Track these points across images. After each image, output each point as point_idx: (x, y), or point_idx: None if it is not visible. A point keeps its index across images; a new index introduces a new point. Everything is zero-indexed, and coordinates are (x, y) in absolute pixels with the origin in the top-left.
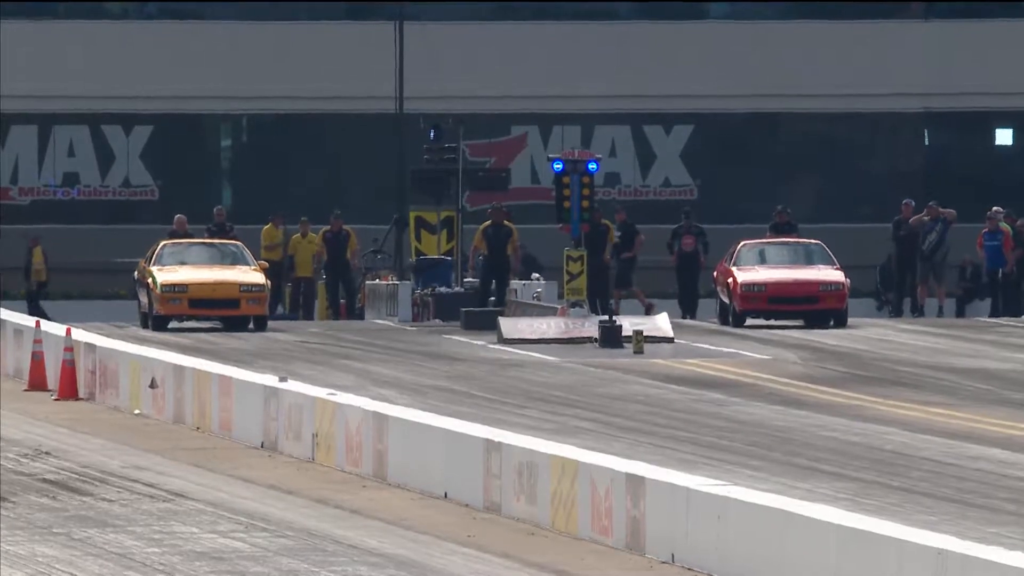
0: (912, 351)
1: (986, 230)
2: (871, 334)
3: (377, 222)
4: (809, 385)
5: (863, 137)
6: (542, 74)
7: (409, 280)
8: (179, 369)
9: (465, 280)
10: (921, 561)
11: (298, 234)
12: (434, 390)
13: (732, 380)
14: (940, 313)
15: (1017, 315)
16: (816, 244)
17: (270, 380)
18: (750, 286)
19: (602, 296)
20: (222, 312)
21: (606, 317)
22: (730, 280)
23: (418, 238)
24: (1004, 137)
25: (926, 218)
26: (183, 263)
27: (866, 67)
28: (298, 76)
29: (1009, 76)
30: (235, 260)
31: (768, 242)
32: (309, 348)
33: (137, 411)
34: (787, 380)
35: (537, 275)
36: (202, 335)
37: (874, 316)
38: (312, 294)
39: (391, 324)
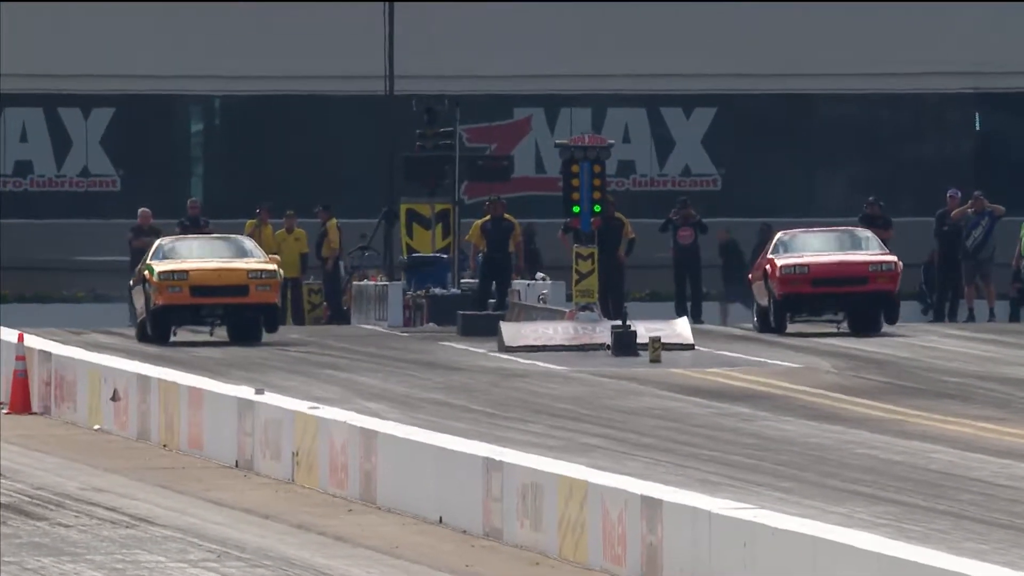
0: (960, 359)
1: None
2: (913, 340)
3: (365, 215)
4: (845, 397)
5: (906, 121)
6: (548, 51)
7: (400, 280)
8: (143, 379)
9: (462, 280)
10: None
11: (282, 230)
12: (428, 403)
13: (759, 391)
14: (991, 317)
15: None
16: (865, 231)
17: (245, 392)
18: (791, 267)
19: (616, 298)
20: (228, 300)
21: (619, 322)
22: (767, 268)
23: (410, 233)
24: None
25: (971, 211)
26: (185, 257)
27: (910, 42)
28: (277, 53)
29: None
30: (243, 254)
31: (809, 230)
32: (289, 356)
33: (97, 426)
34: (820, 391)
35: (543, 275)
36: (183, 346)
37: (919, 320)
38: (298, 297)
39: (380, 329)
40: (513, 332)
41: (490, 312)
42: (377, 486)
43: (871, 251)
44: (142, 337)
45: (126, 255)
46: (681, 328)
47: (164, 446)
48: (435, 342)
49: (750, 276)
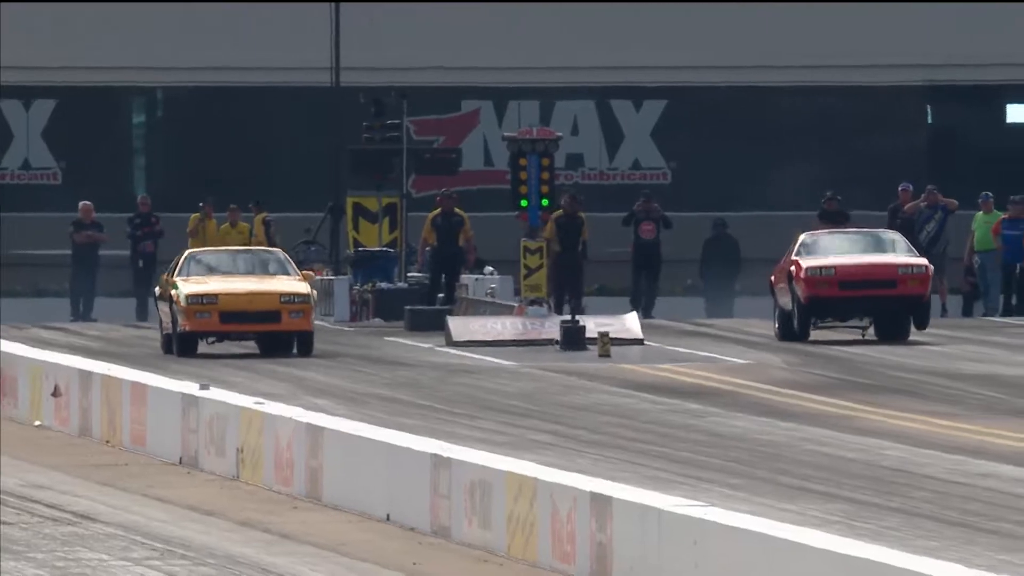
0: (913, 355)
1: (1006, 217)
2: (866, 335)
3: (310, 209)
4: (797, 393)
5: (859, 114)
6: (497, 43)
7: (346, 275)
8: (85, 375)
9: (410, 275)
10: None
11: (227, 224)
12: (375, 399)
13: (710, 387)
14: (943, 312)
15: None
16: (893, 234)
17: (189, 388)
18: (817, 269)
19: (574, 294)
20: (260, 327)
21: (568, 317)
22: (792, 270)
23: (356, 227)
24: (1017, 113)
25: (923, 205)
26: (213, 272)
27: (862, 35)
28: (221, 45)
29: (1022, 46)
30: (275, 270)
31: (834, 231)
32: (235, 352)
33: (38, 423)
34: (772, 387)
35: (491, 269)
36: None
37: None
38: None
39: (326, 324)
40: (461, 327)
41: (437, 307)
42: (323, 483)
43: (899, 253)
44: (167, 350)
45: (67, 249)
46: (631, 323)
47: (107, 442)
48: (382, 337)
49: (772, 278)
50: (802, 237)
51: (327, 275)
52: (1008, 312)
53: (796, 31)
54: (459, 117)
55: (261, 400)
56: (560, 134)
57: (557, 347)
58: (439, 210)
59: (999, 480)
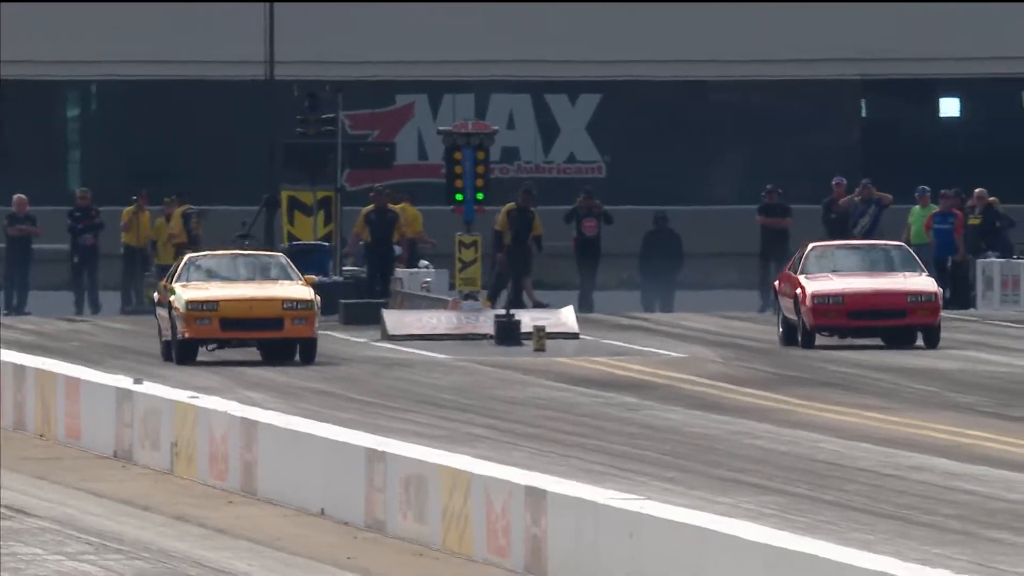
0: (846, 348)
1: (937, 211)
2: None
3: (245, 203)
4: (731, 386)
5: (794, 108)
6: (431, 37)
7: None
8: (19, 369)
9: (345, 268)
10: None
11: (161, 218)
12: (309, 393)
13: (645, 381)
14: None
15: (965, 307)
16: (898, 247)
17: (123, 382)
18: (824, 298)
19: (523, 285)
20: (261, 334)
21: (503, 311)
22: (798, 291)
23: (291, 221)
24: (950, 107)
25: (858, 199)
26: (212, 278)
27: (797, 30)
28: (155, 38)
29: (955, 40)
30: (277, 275)
31: (841, 245)
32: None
33: None
34: (706, 381)
35: (426, 263)
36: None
37: None
38: None
39: None
40: (396, 321)
41: (372, 301)
42: (258, 477)
43: (907, 272)
44: (167, 357)
45: (1, 243)
46: (566, 317)
47: (41, 436)
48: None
49: (776, 285)
50: (809, 249)
51: None
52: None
53: (731, 26)
54: (394, 111)
55: (195, 394)
56: (495, 128)
57: (492, 341)
58: (372, 206)
59: (932, 473)
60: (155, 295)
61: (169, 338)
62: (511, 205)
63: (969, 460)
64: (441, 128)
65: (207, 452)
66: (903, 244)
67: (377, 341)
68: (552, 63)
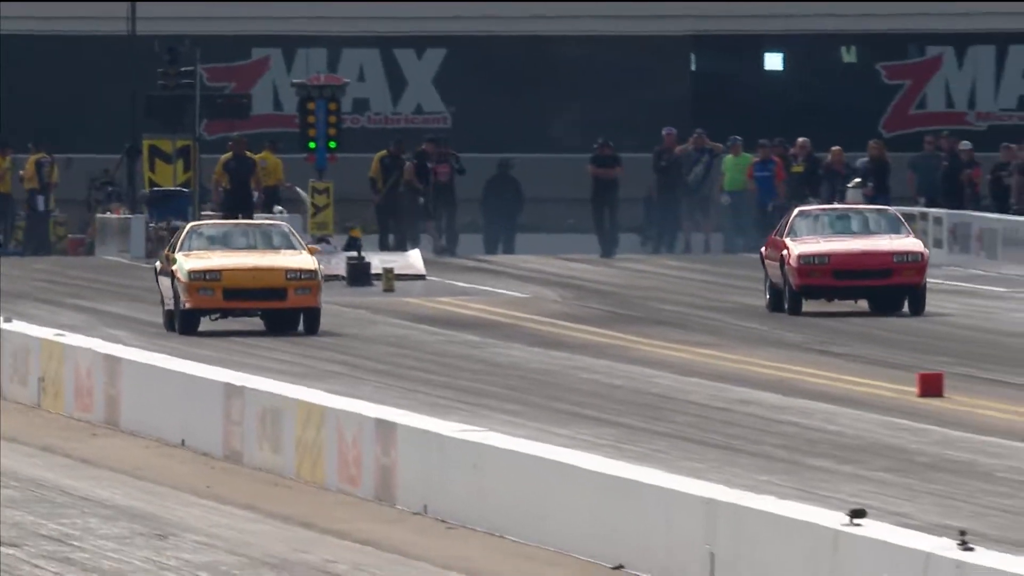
0: (678, 289)
1: (757, 160)
2: (636, 271)
3: (108, 151)
4: (570, 324)
5: (628, 62)
6: None
7: (143, 213)
8: None
9: (203, 213)
10: (688, 511)
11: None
12: (171, 331)
13: (488, 320)
14: (707, 249)
15: None
16: (885, 211)
17: None
18: (810, 258)
19: (396, 230)
20: (265, 304)
21: (354, 254)
22: (784, 253)
23: (152, 168)
24: (774, 62)
25: (691, 148)
26: (215, 246)
27: None
28: None
29: None
30: (280, 243)
31: (828, 209)
32: (36, 286)
33: None
34: (546, 319)
35: (280, 208)
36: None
37: (638, 251)
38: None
39: (123, 260)
40: None
41: None
42: (121, 410)
43: (894, 235)
44: (170, 327)
45: None
46: (414, 259)
47: None
48: None
49: (763, 251)
50: (795, 214)
51: (124, 213)
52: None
53: None
54: (250, 64)
55: (61, 332)
56: (347, 80)
57: (344, 282)
58: (231, 154)
59: (758, 406)
60: (157, 264)
61: (172, 308)
62: (383, 153)
63: (793, 394)
64: (295, 81)
65: (73, 387)
66: (888, 208)
67: None
68: (400, 19)
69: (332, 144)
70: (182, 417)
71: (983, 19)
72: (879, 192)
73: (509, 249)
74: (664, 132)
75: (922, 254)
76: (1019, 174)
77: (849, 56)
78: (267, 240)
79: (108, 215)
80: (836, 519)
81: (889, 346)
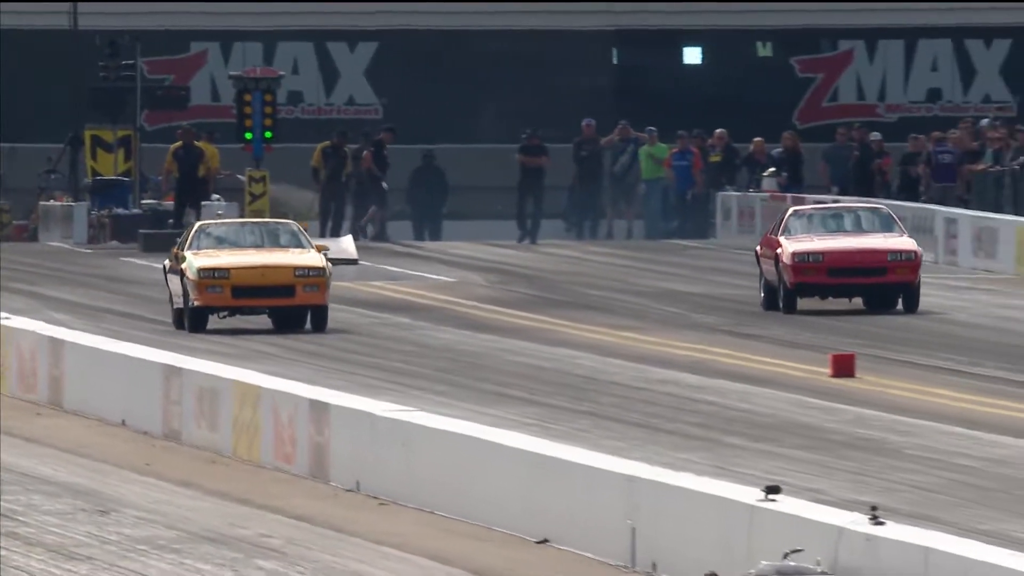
0: (601, 274)
1: (675, 150)
2: (560, 256)
3: (51, 141)
4: (497, 308)
5: (553, 56)
6: None
7: (85, 201)
8: None
9: (143, 201)
10: (610, 488)
11: None
12: (112, 314)
13: (418, 303)
14: (629, 235)
15: (705, 237)
16: (879, 209)
17: None
18: (804, 255)
19: (337, 216)
20: (273, 301)
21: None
22: (778, 251)
23: (94, 157)
24: (692, 56)
25: (617, 139)
26: (223, 245)
27: None
28: None
29: None
30: (288, 242)
31: (822, 208)
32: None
33: None
34: (474, 303)
35: (218, 196)
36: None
37: (563, 237)
38: None
39: (66, 246)
40: None
41: (169, 231)
42: (64, 391)
43: (888, 233)
44: (179, 325)
45: None
46: (346, 244)
47: None
48: (118, 258)
49: (757, 250)
50: (789, 213)
51: (67, 201)
52: (684, 235)
53: None
54: (188, 57)
55: (6, 315)
56: (282, 73)
57: None
58: (180, 143)
59: (677, 386)
60: (166, 262)
61: (181, 306)
62: (326, 143)
63: (709, 374)
64: (232, 73)
65: (16, 368)
66: (883, 206)
67: None
68: (333, 14)
69: (268, 134)
70: (123, 397)
71: (893, 15)
72: (793, 181)
73: (436, 236)
74: (584, 123)
75: (916, 252)
76: (926, 164)
77: (764, 51)
78: (275, 238)
79: (51, 202)
80: (752, 495)
81: (803, 328)
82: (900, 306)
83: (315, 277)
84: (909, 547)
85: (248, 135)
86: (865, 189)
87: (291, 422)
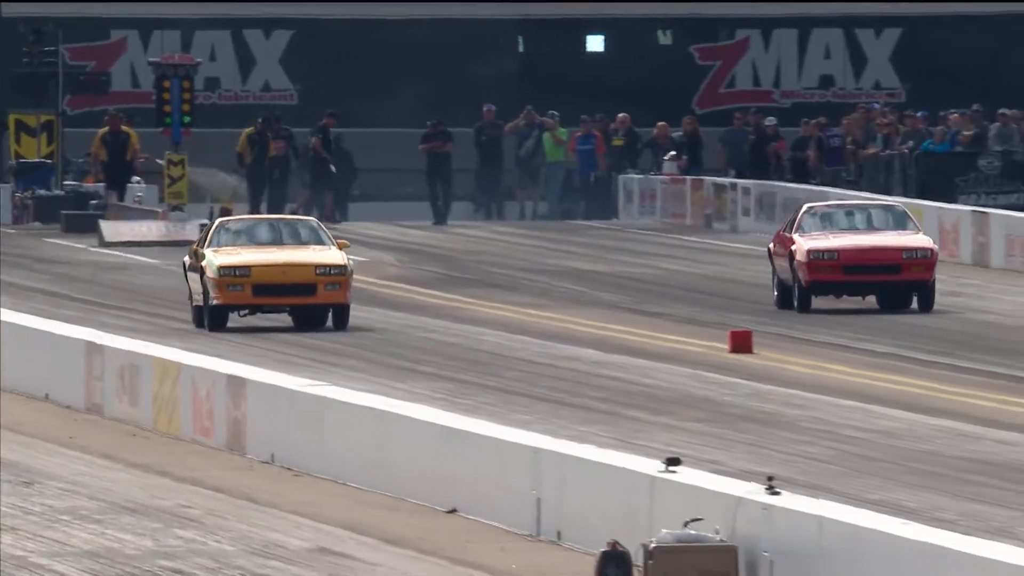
0: (508, 253)
1: (579, 134)
2: (468, 236)
3: None
4: (407, 287)
5: (461, 43)
6: None
7: (9, 183)
8: None
9: (66, 183)
10: (518, 460)
11: None
12: (36, 293)
13: None
14: (534, 216)
15: (608, 218)
16: (893, 207)
17: None
18: (819, 253)
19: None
20: (294, 300)
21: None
22: (793, 249)
23: (18, 141)
24: (596, 44)
25: (523, 124)
26: (243, 242)
27: None
28: None
29: None
30: (308, 238)
31: (836, 205)
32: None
33: None
34: (385, 282)
35: (138, 179)
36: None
37: (471, 218)
38: None
39: None
40: (112, 229)
41: (90, 212)
42: None
43: (902, 231)
44: (199, 323)
45: None
46: None
47: None
48: (41, 239)
49: (771, 247)
50: (803, 210)
51: None
52: (588, 216)
53: None
54: (109, 44)
55: None
56: (199, 60)
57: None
58: (107, 128)
59: (581, 362)
60: (186, 260)
61: (201, 304)
62: (251, 129)
63: (612, 350)
64: (151, 60)
65: None
66: (897, 204)
67: (95, 247)
68: (249, 2)
69: (186, 119)
70: (46, 373)
71: (787, 5)
72: (692, 164)
73: (343, 216)
74: (484, 109)
75: (931, 250)
76: (816, 148)
77: (665, 39)
78: (295, 235)
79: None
80: (652, 466)
81: (698, 305)
82: (915, 305)
83: (336, 275)
84: (804, 516)
85: (167, 120)
86: (760, 172)
87: (209, 397)
